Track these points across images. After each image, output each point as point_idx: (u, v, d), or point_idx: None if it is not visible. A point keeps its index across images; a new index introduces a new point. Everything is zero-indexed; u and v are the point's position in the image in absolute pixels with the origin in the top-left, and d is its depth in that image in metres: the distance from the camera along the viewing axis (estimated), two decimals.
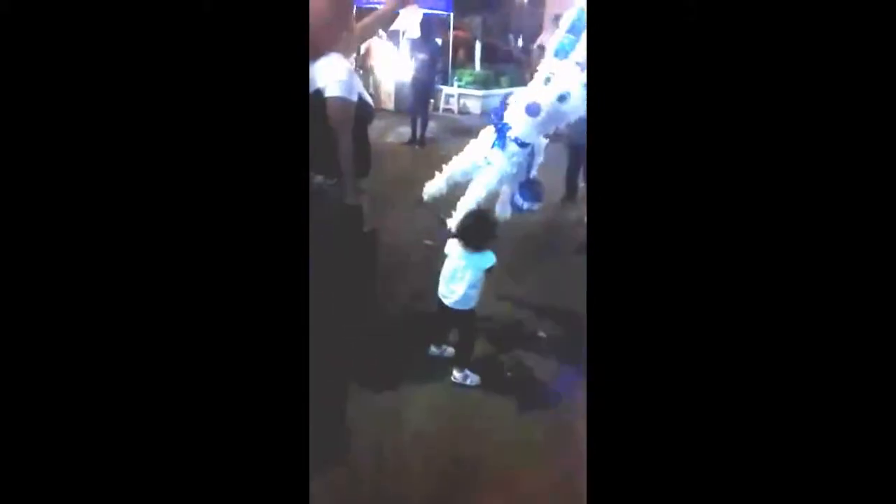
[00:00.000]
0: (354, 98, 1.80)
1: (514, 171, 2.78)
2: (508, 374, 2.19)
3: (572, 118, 2.71)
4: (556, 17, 2.54)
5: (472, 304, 2.05)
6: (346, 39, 1.87)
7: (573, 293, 2.73)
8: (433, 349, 2.24)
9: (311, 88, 1.75)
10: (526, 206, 2.91)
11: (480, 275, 2.03)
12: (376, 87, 8.54)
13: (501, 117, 2.79)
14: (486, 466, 1.71)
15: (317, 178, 1.82)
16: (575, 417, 1.90)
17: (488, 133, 2.82)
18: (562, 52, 2.59)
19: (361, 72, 8.57)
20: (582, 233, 3.40)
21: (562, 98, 2.57)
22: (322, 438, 1.19)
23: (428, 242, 2.04)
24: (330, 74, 1.77)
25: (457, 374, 2.11)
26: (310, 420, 0.90)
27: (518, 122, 2.72)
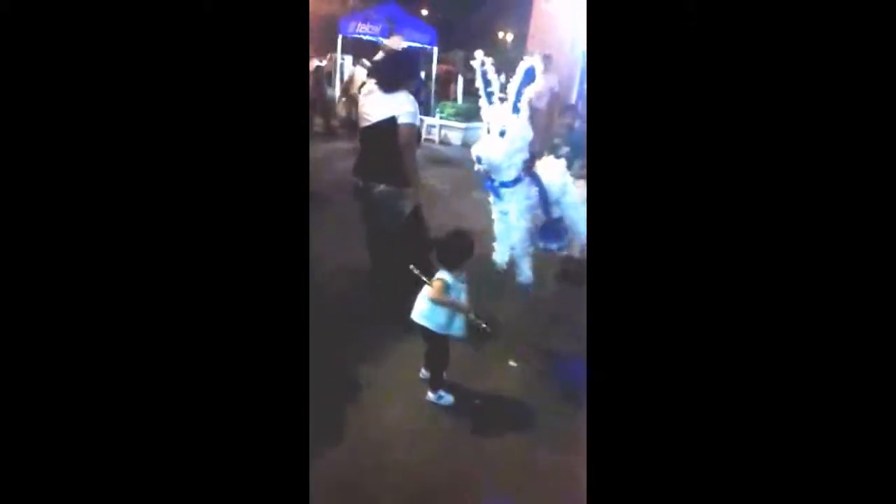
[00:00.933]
0: (417, 124, 2.51)
1: (536, 203, 3.14)
2: (476, 401, 2.21)
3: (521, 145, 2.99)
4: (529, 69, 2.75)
5: (447, 331, 2.09)
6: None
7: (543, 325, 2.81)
8: (424, 372, 2.28)
9: (386, 116, 2.42)
10: (552, 246, 3.31)
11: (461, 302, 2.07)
12: (359, 115, 8.61)
13: (486, 175, 3.09)
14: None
15: (380, 187, 2.49)
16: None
17: (488, 195, 3.23)
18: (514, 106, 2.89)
19: (344, 99, 8.68)
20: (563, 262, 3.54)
21: (502, 134, 2.88)
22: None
23: (412, 268, 2.08)
24: (401, 106, 2.42)
25: (431, 395, 2.14)
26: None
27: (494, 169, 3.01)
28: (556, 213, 3.31)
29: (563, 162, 3.48)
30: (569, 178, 3.38)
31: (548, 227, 3.29)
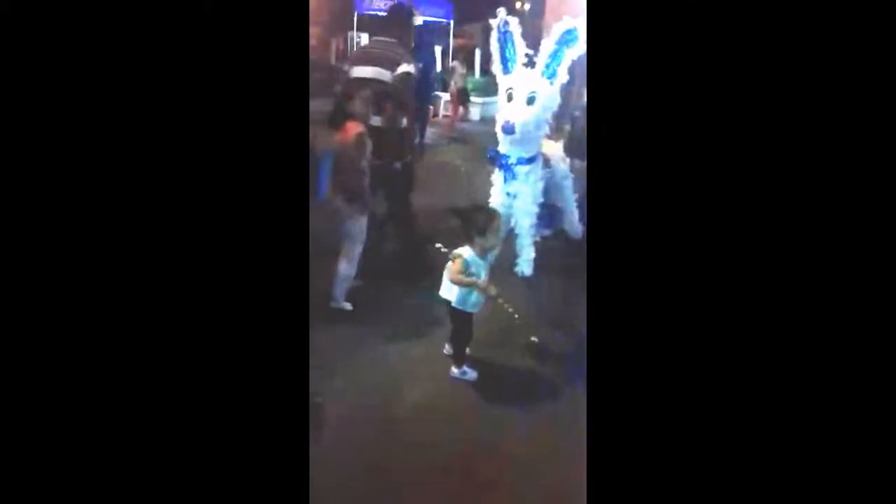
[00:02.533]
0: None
1: (543, 186, 2.90)
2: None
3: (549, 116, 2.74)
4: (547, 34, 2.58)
5: (469, 308, 2.08)
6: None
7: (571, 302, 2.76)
8: (448, 348, 2.27)
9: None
10: (545, 232, 3.06)
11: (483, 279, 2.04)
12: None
13: (496, 152, 2.84)
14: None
15: (396, 164, 2.72)
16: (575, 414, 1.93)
17: (497, 176, 2.92)
18: (549, 71, 2.65)
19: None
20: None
21: (530, 101, 2.61)
22: None
23: (439, 246, 2.06)
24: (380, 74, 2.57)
25: (455, 371, 2.14)
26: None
27: (507, 147, 2.77)
28: (553, 197, 3.13)
29: (562, 144, 3.32)
30: (567, 162, 3.20)
31: (543, 211, 3.02)
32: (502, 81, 2.76)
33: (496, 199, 2.92)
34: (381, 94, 2.54)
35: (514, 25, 2.70)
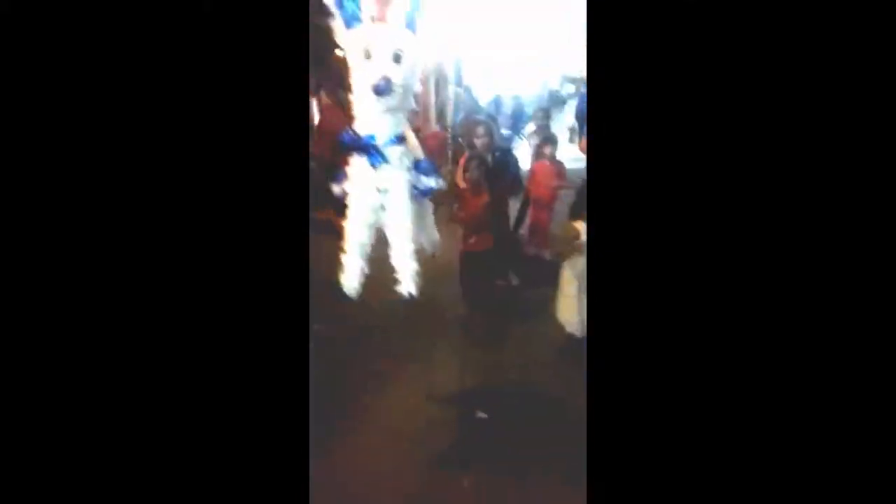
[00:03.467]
0: None
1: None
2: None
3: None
4: None
5: None
6: None
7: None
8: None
9: None
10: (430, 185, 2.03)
11: None
12: None
13: (355, 136, 1.92)
14: None
15: None
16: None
17: (357, 169, 1.97)
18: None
19: None
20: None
21: (396, 58, 1.78)
22: None
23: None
24: None
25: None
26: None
27: (376, 121, 1.90)
28: None
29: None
30: None
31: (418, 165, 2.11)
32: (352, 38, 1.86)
33: (360, 199, 1.99)
34: None
35: None
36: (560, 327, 2.48)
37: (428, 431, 1.95)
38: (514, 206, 3.55)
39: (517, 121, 6.75)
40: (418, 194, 2.05)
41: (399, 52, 1.80)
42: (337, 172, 2.07)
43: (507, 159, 3.30)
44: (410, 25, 1.88)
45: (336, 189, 2.06)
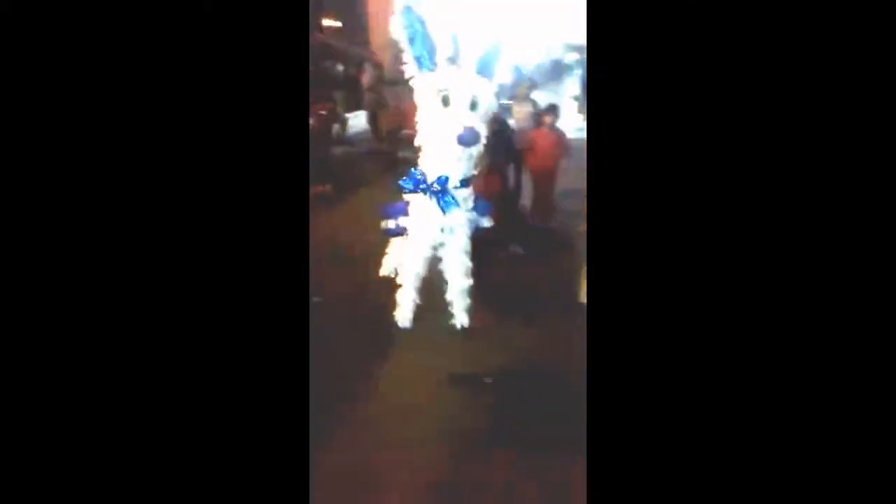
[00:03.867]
0: None
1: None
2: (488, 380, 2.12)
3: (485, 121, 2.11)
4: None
5: None
6: None
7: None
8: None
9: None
10: (485, 225, 2.33)
11: None
12: None
13: (423, 180, 2.11)
14: None
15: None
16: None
17: (420, 207, 2.15)
18: (423, 64, 2.04)
19: None
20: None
21: (473, 106, 2.00)
22: None
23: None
24: None
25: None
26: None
27: (451, 166, 2.08)
28: None
29: None
30: None
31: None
32: (428, 84, 2.05)
33: (422, 237, 2.21)
34: None
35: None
36: (567, 297, 2.59)
37: (435, 405, 1.96)
38: (512, 178, 3.56)
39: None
40: (476, 233, 2.27)
41: (476, 100, 1.98)
42: (390, 208, 2.24)
43: (503, 130, 3.25)
44: (484, 71, 2.07)
45: (391, 224, 2.23)
